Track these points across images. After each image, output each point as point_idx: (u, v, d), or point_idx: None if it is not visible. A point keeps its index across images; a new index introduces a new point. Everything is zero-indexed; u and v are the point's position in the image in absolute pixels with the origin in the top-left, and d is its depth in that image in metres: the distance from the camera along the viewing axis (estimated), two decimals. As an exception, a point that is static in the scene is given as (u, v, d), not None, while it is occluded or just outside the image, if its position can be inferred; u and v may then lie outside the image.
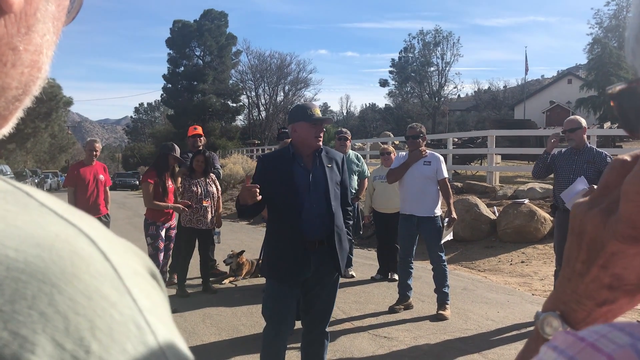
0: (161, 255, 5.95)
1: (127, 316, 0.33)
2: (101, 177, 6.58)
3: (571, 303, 0.52)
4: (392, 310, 5.68)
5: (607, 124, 23.85)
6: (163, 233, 6.01)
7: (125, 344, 0.32)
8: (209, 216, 6.52)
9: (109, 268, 0.35)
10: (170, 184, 6.18)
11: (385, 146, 7.50)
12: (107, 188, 6.79)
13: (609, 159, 5.11)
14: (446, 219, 5.59)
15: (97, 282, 0.33)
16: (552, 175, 5.51)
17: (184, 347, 0.38)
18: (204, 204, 6.44)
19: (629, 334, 0.38)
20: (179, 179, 6.50)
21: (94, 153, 6.53)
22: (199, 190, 6.43)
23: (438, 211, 5.65)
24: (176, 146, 6.32)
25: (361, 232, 7.85)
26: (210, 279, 6.87)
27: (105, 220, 6.56)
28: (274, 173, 3.37)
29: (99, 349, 0.31)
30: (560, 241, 5.30)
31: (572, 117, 5.36)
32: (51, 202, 0.37)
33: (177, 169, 6.53)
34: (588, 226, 0.50)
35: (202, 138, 7.29)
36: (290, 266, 3.31)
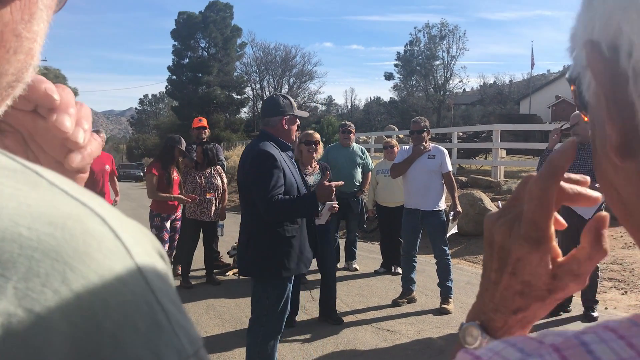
0: (166, 247, 5.97)
1: (138, 295, 0.34)
2: (107, 167, 6.61)
3: (489, 312, 0.54)
4: (395, 303, 5.68)
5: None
6: (168, 225, 6.04)
7: (138, 323, 0.33)
8: (213, 208, 6.53)
9: (121, 247, 0.35)
10: (175, 175, 6.20)
11: (389, 140, 7.48)
12: (116, 178, 6.84)
13: None
14: (451, 213, 5.58)
15: (110, 260, 0.33)
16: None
17: (194, 329, 0.38)
18: (208, 196, 6.44)
19: (520, 350, 0.40)
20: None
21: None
22: (203, 182, 6.44)
23: (442, 205, 5.64)
24: (182, 139, 6.34)
25: (365, 226, 7.84)
26: (214, 271, 6.89)
27: None
28: (285, 167, 3.24)
29: (112, 327, 0.31)
30: (563, 236, 5.29)
31: (577, 112, 5.34)
32: (61, 182, 0.37)
33: (181, 160, 6.55)
34: (496, 235, 0.53)
35: (206, 130, 7.30)
36: (306, 257, 3.32)
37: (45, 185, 0.35)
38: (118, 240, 0.35)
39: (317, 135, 5.35)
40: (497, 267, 0.53)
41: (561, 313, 5.24)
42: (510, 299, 0.52)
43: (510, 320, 0.53)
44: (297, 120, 3.38)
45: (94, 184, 6.39)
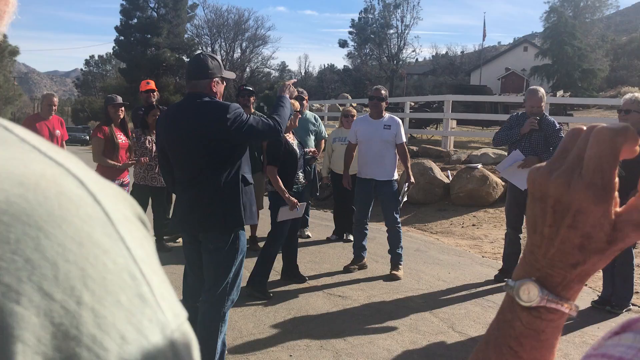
0: None
1: (121, 265, 0.31)
2: (57, 132, 6.34)
3: (545, 269, 0.51)
4: (346, 270, 5.76)
5: (560, 93, 24.44)
6: None
7: (119, 295, 0.30)
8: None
9: (101, 212, 0.32)
10: (122, 138, 5.99)
11: (349, 108, 7.45)
12: (64, 143, 6.57)
13: (557, 126, 5.26)
14: (406, 184, 5.65)
15: (89, 226, 0.30)
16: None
17: (176, 299, 0.36)
18: None
19: None
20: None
21: (54, 107, 6.32)
22: (153, 147, 6.27)
23: (395, 175, 5.71)
24: (117, 96, 6.13)
25: (318, 194, 7.86)
26: (164, 237, 6.79)
27: None
28: None
29: (92, 300, 0.29)
30: (511, 205, 5.44)
31: (534, 88, 5.41)
32: (33, 139, 0.33)
33: (127, 120, 6.34)
34: (551, 189, 0.50)
35: (155, 93, 7.06)
36: None
37: (14, 141, 0.32)
38: (97, 204, 0.32)
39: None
40: (551, 221, 0.50)
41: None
42: (569, 254, 0.50)
43: (570, 275, 0.50)
44: (224, 82, 3.26)
45: None
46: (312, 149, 6.19)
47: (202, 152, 3.09)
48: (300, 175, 5.17)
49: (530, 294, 0.51)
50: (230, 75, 3.36)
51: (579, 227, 0.48)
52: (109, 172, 5.84)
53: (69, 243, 0.29)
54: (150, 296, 0.32)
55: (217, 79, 3.14)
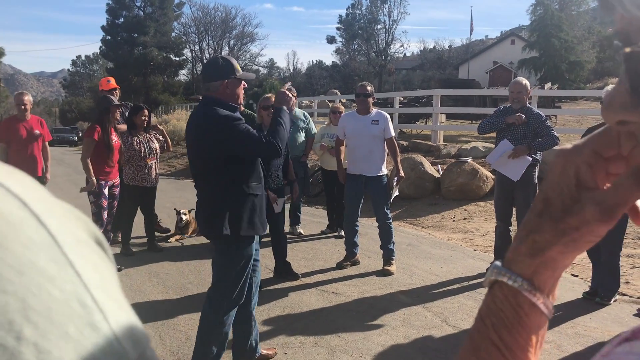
0: (105, 214, 5.77)
1: (68, 293, 0.28)
2: (37, 132, 6.23)
3: (511, 246, 0.52)
4: (339, 266, 5.77)
5: (548, 85, 24.55)
6: (106, 191, 5.81)
7: (67, 327, 0.27)
8: (154, 173, 6.36)
9: (45, 235, 0.29)
10: (115, 139, 5.92)
11: (337, 105, 7.45)
12: (47, 144, 6.47)
13: (543, 117, 5.30)
14: (395, 178, 5.66)
15: (31, 252, 0.28)
16: (494, 135, 5.64)
17: (137, 324, 0.32)
18: (148, 162, 6.26)
19: None
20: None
21: (22, 107, 6.12)
22: (142, 148, 6.23)
23: (385, 170, 5.72)
24: (112, 97, 6.08)
25: (310, 193, 7.87)
26: (155, 237, 6.77)
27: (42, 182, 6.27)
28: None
29: (34, 334, 0.26)
30: (499, 197, 5.47)
31: (518, 79, 5.46)
32: None
33: (117, 121, 6.26)
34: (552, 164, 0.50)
35: (117, 91, 6.95)
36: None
37: None
38: (42, 226, 0.29)
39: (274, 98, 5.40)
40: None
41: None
42: (529, 221, 0.49)
43: (522, 245, 0.49)
44: (243, 82, 3.22)
45: (21, 152, 6.06)
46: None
47: (199, 158, 3.16)
48: (280, 173, 5.35)
49: (490, 272, 0.52)
50: (249, 76, 3.34)
51: (543, 189, 0.49)
52: (101, 172, 5.73)
53: (7, 272, 0.26)
54: (103, 325, 0.29)
55: (229, 80, 3.11)
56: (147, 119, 6.35)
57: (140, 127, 6.31)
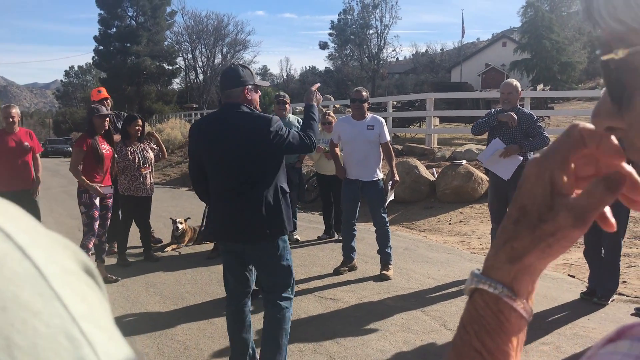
0: (96, 224, 5.63)
1: (55, 327, 0.27)
2: (26, 144, 6.19)
3: (489, 254, 0.53)
4: (336, 272, 5.76)
5: (540, 86, 24.66)
6: (98, 201, 5.71)
7: None
8: (149, 182, 6.34)
9: (31, 268, 0.28)
10: (106, 148, 5.84)
11: (327, 116, 7.45)
12: (38, 155, 6.43)
13: (535, 117, 5.33)
14: (390, 182, 5.67)
15: (14, 286, 0.27)
16: (486, 136, 5.66)
17: (129, 354, 0.31)
18: (143, 171, 6.24)
19: None
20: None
21: (10, 120, 6.05)
22: (136, 157, 6.20)
23: (380, 174, 5.73)
24: (102, 107, 5.88)
25: (305, 199, 7.87)
26: (152, 247, 6.75)
27: (33, 200, 6.23)
28: None
29: None
30: (493, 199, 5.49)
31: (508, 80, 5.49)
32: None
33: (112, 130, 6.18)
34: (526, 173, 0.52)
35: (109, 101, 6.92)
36: None
37: None
38: (26, 258, 0.28)
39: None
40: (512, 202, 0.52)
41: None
42: (506, 228, 0.51)
43: (501, 254, 0.51)
44: (259, 90, 3.33)
45: (11, 165, 6.01)
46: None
47: (247, 163, 3.15)
48: None
49: (469, 281, 0.53)
50: (264, 84, 3.45)
51: (518, 197, 0.50)
52: (92, 182, 5.65)
53: None
54: (92, 357, 0.28)
55: (249, 86, 3.20)
56: (140, 128, 6.34)
57: (134, 136, 6.30)
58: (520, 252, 0.50)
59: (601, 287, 4.73)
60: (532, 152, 5.31)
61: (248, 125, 3.12)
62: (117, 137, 6.35)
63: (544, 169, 0.49)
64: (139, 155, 6.24)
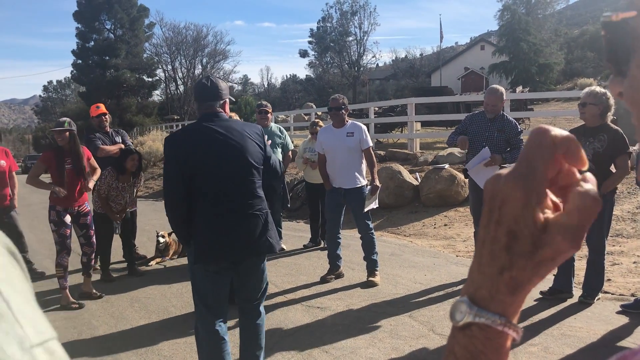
0: (69, 242, 5.33)
1: None
2: (2, 162, 6.07)
3: (476, 279, 0.50)
4: (323, 280, 5.73)
5: (519, 88, 24.92)
6: (68, 219, 5.35)
7: None
8: (128, 199, 6.25)
9: None
10: (68, 164, 5.35)
11: (316, 127, 7.42)
12: (14, 173, 6.32)
13: (519, 129, 5.33)
14: (368, 187, 5.66)
15: None
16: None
17: (44, 322, 0.37)
18: (128, 209, 6.34)
19: None
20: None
21: None
22: (126, 197, 6.20)
23: (363, 180, 5.72)
24: (63, 120, 5.40)
25: (289, 205, 7.84)
26: (135, 262, 6.66)
27: (11, 214, 6.12)
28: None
29: None
30: (474, 203, 5.50)
31: (494, 87, 5.44)
32: None
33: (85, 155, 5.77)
34: (489, 188, 0.49)
35: (107, 116, 6.83)
36: None
37: None
38: None
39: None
40: (485, 221, 0.49)
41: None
42: (497, 256, 0.48)
43: (497, 284, 0.48)
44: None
45: None
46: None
47: (250, 176, 3.13)
48: None
49: (461, 312, 0.50)
50: (231, 97, 3.46)
51: (503, 221, 0.47)
52: (58, 200, 5.25)
53: None
54: (7, 312, 0.33)
55: (227, 99, 3.24)
56: (137, 163, 6.22)
57: (129, 172, 6.18)
58: (522, 281, 0.48)
59: (587, 287, 4.76)
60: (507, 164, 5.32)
61: (254, 132, 3.19)
62: (112, 149, 6.36)
63: (529, 190, 0.46)
64: (128, 195, 6.21)
